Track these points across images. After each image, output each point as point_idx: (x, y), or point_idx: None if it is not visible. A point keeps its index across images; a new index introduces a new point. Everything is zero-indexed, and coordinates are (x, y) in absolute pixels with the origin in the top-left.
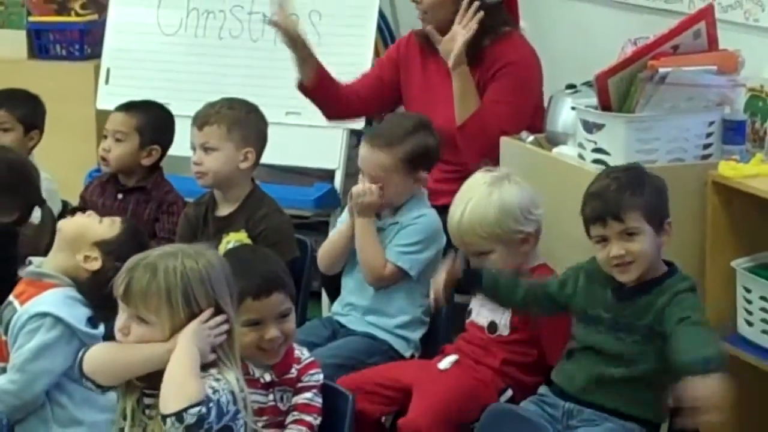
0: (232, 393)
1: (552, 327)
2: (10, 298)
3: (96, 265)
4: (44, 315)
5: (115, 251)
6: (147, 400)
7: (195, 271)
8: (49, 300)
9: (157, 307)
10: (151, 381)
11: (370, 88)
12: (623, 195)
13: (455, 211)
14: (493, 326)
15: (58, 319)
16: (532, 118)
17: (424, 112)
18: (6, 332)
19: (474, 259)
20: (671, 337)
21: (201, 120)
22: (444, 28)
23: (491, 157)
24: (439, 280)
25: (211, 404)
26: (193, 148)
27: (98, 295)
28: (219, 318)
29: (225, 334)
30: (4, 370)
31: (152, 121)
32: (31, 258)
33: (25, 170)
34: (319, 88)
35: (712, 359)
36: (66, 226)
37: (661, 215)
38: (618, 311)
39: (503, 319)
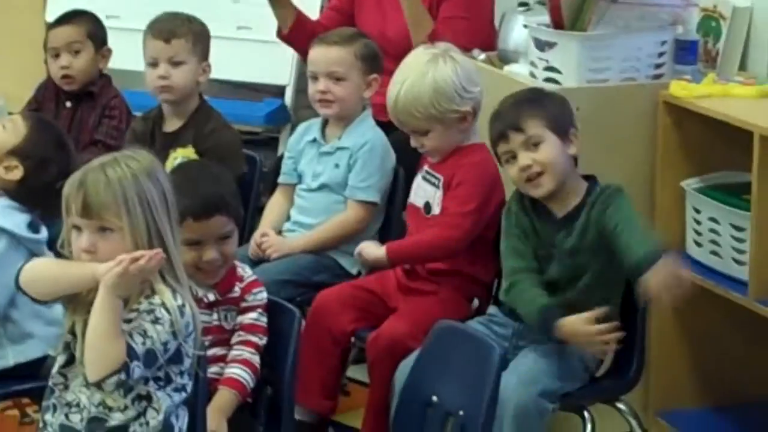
0: (181, 310)
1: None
2: None
3: (18, 173)
4: None
5: (32, 151)
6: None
7: (141, 170)
8: None
9: (117, 211)
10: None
11: (331, 20)
12: (522, 108)
13: (392, 91)
14: (428, 207)
15: (1, 230)
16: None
17: (376, 27)
18: None
19: (413, 138)
20: (614, 243)
21: (167, 33)
22: None
23: None
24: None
25: (133, 363)
26: (152, 63)
27: (32, 197)
28: (149, 252)
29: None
30: None
31: (96, 24)
32: None
33: None
34: (298, 35)
35: (652, 252)
36: None
37: (565, 124)
38: (561, 241)
39: (436, 199)
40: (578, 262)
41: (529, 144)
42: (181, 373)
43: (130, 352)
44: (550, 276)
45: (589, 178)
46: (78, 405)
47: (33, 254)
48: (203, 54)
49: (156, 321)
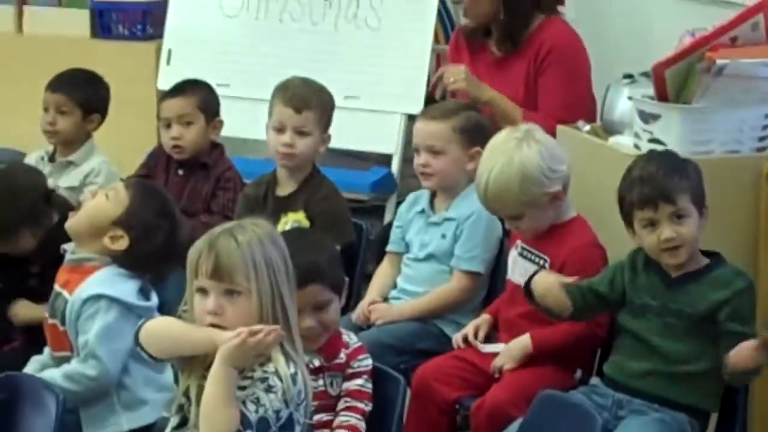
0: (293, 378)
1: None
2: (57, 288)
3: (124, 243)
4: (98, 297)
5: (134, 221)
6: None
7: (266, 236)
8: (97, 281)
9: (246, 275)
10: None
11: None
12: (673, 178)
13: (480, 181)
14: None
15: (112, 300)
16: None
17: None
18: (63, 323)
19: (507, 222)
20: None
21: (299, 102)
22: (487, 23)
23: None
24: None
25: (246, 431)
26: (279, 128)
27: (140, 264)
28: (268, 327)
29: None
30: (63, 360)
31: (208, 95)
32: (64, 246)
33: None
34: None
35: None
36: (73, 224)
37: (704, 198)
38: (667, 298)
39: None
40: (668, 322)
41: (674, 216)
42: None
43: (244, 420)
44: (651, 334)
45: (710, 254)
46: None
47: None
48: (327, 125)
49: (269, 389)
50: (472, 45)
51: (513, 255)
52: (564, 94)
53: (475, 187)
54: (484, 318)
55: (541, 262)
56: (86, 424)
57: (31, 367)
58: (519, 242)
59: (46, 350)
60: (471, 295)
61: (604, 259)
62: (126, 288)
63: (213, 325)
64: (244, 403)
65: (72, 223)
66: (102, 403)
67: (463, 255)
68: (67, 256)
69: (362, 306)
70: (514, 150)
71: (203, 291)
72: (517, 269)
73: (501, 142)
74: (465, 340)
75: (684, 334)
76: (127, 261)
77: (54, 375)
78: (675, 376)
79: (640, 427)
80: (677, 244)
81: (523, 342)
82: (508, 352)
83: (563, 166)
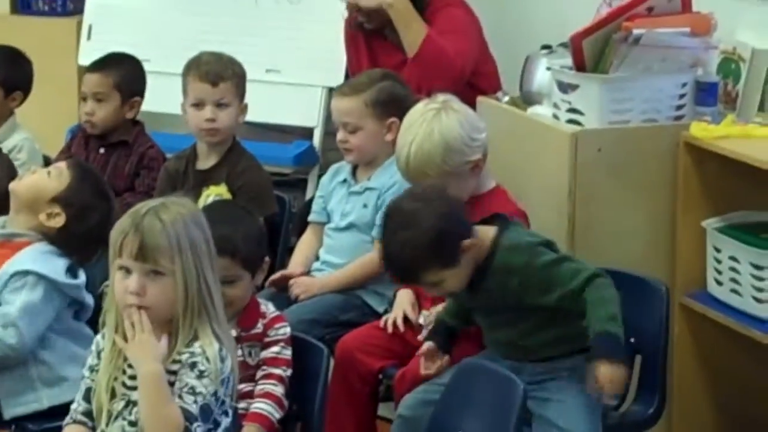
0: (221, 356)
1: None
2: None
3: (60, 220)
4: (26, 273)
5: (73, 199)
6: (130, 371)
7: (190, 216)
8: (26, 258)
9: (171, 256)
10: None
11: None
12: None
13: (401, 154)
14: None
15: (40, 276)
16: (484, 68)
17: None
18: None
19: None
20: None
21: (214, 76)
22: (385, 21)
23: (455, 87)
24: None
25: (194, 425)
26: (197, 104)
27: (72, 244)
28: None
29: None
30: None
31: (128, 74)
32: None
33: None
34: None
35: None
36: (18, 188)
37: None
38: (480, 301)
39: None
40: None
41: None
42: (225, 413)
43: (188, 416)
44: (494, 330)
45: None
46: None
47: (71, 299)
48: (243, 95)
49: (201, 375)
50: (367, 38)
51: None
52: (454, 34)
53: (395, 159)
54: (407, 296)
55: None
56: (5, 403)
57: None
58: None
59: None
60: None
61: (527, 222)
62: (55, 265)
63: (133, 305)
64: (180, 397)
65: (15, 186)
66: (21, 380)
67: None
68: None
69: (281, 273)
70: (433, 120)
71: (126, 270)
72: None
73: (419, 113)
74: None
75: (518, 321)
76: (59, 239)
77: None
78: (543, 347)
79: (565, 403)
80: None
81: None
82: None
83: (482, 134)
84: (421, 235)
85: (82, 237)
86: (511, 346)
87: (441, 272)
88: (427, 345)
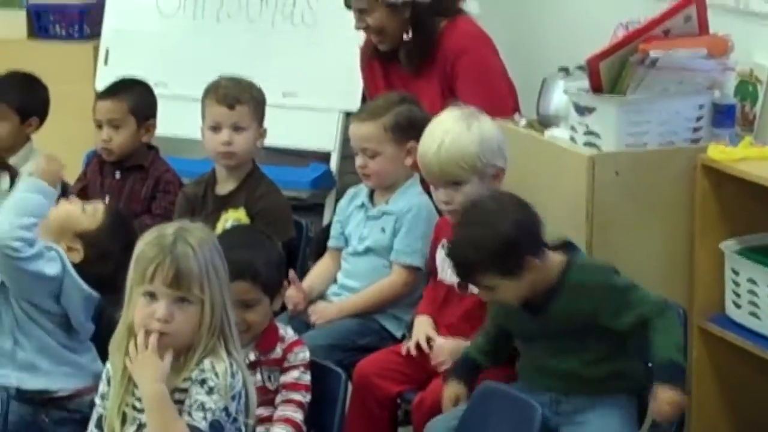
0: (232, 373)
1: None
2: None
3: (77, 257)
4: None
5: (97, 243)
6: (139, 393)
7: (211, 243)
8: None
9: (201, 284)
10: None
11: None
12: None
13: (431, 144)
14: (463, 285)
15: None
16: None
17: None
18: None
19: (443, 192)
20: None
21: (232, 99)
22: (399, 44)
23: None
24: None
25: None
26: (214, 128)
27: (82, 278)
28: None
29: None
30: None
31: (141, 98)
32: None
33: None
34: None
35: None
36: (52, 215)
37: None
38: (541, 324)
39: None
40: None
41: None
42: (239, 430)
43: (194, 430)
44: (548, 358)
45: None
46: None
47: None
48: (261, 119)
49: (210, 391)
50: (383, 65)
51: (441, 255)
52: (480, 97)
53: (421, 152)
54: (427, 322)
55: None
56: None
57: None
58: (445, 241)
59: None
60: (410, 289)
61: None
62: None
63: (157, 332)
64: (190, 414)
65: (53, 212)
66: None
67: (403, 249)
68: None
69: (289, 292)
70: (470, 119)
71: (152, 296)
72: (448, 269)
73: (451, 115)
74: (418, 346)
75: (579, 349)
76: None
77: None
78: (591, 383)
79: (602, 417)
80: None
81: (463, 345)
82: (448, 350)
83: (506, 150)
84: (490, 237)
85: (91, 279)
86: (563, 376)
87: (498, 279)
88: (454, 389)
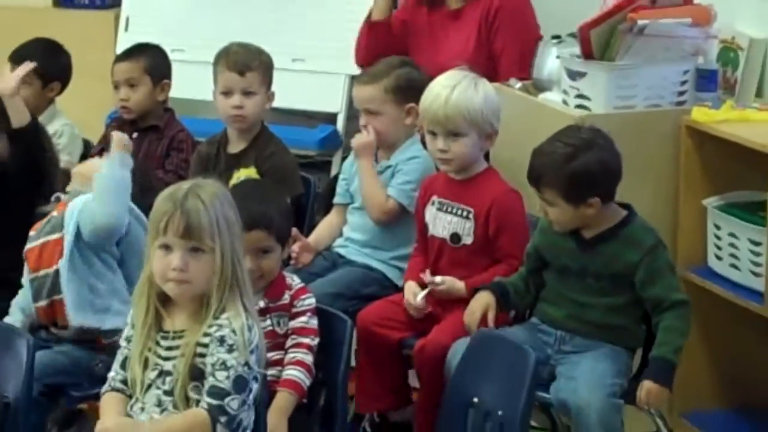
0: (249, 327)
1: (511, 235)
2: (53, 213)
3: None
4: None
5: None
6: (164, 343)
7: (223, 197)
8: None
9: (212, 234)
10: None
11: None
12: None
13: (440, 92)
14: (456, 237)
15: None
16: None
17: (429, 55)
18: (58, 231)
19: (442, 140)
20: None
21: (242, 65)
22: None
23: None
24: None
25: (226, 401)
26: (226, 92)
27: None
28: None
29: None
30: (42, 279)
31: (155, 59)
32: (56, 194)
33: None
34: (379, 31)
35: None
36: (79, 170)
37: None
38: (585, 260)
39: (465, 229)
40: (588, 283)
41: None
42: (255, 379)
43: (219, 392)
44: (572, 292)
45: (625, 206)
46: None
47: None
48: (269, 84)
49: (231, 349)
50: (429, 4)
51: (431, 211)
52: (518, 53)
53: (427, 100)
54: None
55: (465, 213)
56: (73, 312)
57: (16, 305)
58: (435, 198)
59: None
60: (386, 222)
61: (521, 202)
62: None
63: (176, 281)
64: (213, 375)
65: (79, 168)
66: (79, 296)
67: (395, 185)
68: (68, 195)
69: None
70: (476, 79)
71: (167, 247)
72: (439, 223)
73: (458, 72)
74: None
75: (603, 293)
76: None
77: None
78: (603, 323)
79: (595, 360)
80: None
81: (458, 285)
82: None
83: (500, 115)
84: (574, 160)
85: None
86: (579, 313)
87: (559, 199)
88: (486, 298)
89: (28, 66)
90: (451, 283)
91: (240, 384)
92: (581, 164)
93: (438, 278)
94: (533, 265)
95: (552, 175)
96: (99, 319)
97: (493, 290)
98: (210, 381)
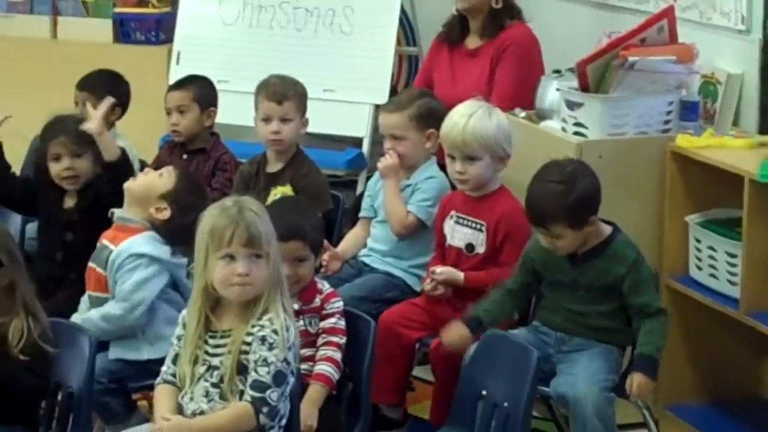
0: (287, 327)
1: (514, 246)
2: (104, 241)
3: (167, 214)
4: (141, 255)
5: (178, 197)
6: (212, 341)
7: (263, 211)
8: (141, 241)
9: (267, 241)
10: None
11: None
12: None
13: (459, 120)
14: (470, 247)
15: (153, 258)
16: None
17: (447, 87)
18: (105, 269)
19: (459, 163)
20: (635, 321)
21: (280, 95)
22: (480, 8)
23: None
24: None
25: (267, 393)
26: (265, 119)
27: (172, 233)
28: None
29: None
30: (98, 299)
31: (203, 89)
32: (112, 210)
33: None
34: None
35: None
36: (133, 187)
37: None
38: (576, 275)
39: (479, 240)
40: (580, 294)
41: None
42: (291, 373)
43: (261, 385)
44: (567, 303)
45: (609, 222)
46: None
47: (174, 277)
48: (304, 111)
49: (271, 347)
50: (450, 43)
51: (449, 224)
52: (510, 87)
53: (447, 127)
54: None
55: (478, 226)
56: (113, 345)
57: (83, 305)
58: (453, 212)
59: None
60: (405, 236)
61: (527, 222)
62: (163, 249)
63: (240, 285)
64: (255, 370)
65: (131, 185)
66: (130, 337)
67: (415, 202)
68: (117, 216)
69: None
70: (490, 109)
71: (231, 257)
72: (456, 235)
73: (473, 102)
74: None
75: (595, 302)
76: (164, 229)
77: (93, 315)
78: (597, 327)
79: (590, 357)
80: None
81: (457, 275)
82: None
83: (512, 141)
84: (572, 193)
85: (182, 228)
86: (576, 319)
87: (565, 229)
88: (459, 330)
89: (108, 102)
90: (449, 273)
91: (279, 378)
92: (578, 194)
93: (438, 269)
94: (526, 279)
95: (556, 213)
96: (150, 350)
97: (468, 323)
98: (253, 376)
